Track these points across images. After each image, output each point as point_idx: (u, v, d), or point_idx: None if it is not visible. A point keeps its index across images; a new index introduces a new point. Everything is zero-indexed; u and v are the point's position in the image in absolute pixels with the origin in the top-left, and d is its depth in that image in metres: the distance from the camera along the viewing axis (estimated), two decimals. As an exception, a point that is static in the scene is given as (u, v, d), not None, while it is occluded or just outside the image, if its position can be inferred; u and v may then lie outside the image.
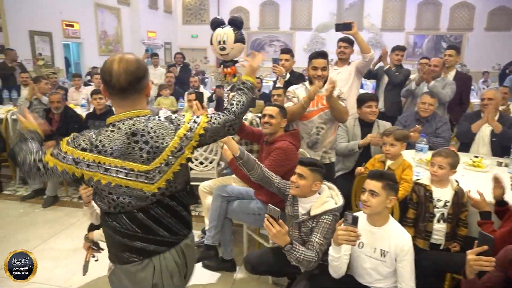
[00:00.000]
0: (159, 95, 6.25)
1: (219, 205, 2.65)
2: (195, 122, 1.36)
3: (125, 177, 1.25)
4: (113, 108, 4.20)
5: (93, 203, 2.37)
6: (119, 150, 1.24)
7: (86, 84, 7.10)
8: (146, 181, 1.26)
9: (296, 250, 1.86)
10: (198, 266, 2.74)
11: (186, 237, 1.41)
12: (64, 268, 2.78)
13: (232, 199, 2.69)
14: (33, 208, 3.78)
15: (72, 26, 10.62)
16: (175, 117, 1.36)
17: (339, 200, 2.10)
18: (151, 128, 1.28)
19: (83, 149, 1.24)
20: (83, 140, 1.26)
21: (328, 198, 2.09)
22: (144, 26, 13.45)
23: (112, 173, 1.24)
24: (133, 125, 1.27)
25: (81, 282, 2.60)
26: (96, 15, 11.55)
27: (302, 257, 1.87)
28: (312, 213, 2.05)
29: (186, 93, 5.63)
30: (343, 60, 3.69)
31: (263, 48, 15.27)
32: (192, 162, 3.56)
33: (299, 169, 2.08)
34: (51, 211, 3.69)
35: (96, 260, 2.46)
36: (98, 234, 2.38)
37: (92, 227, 2.51)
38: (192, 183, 3.66)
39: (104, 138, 1.25)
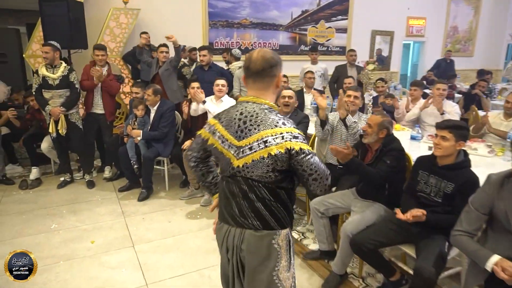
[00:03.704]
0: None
1: None
2: (297, 136, 1.38)
3: (221, 143, 1.46)
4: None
5: None
6: (226, 121, 1.46)
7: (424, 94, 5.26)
8: (234, 154, 1.41)
9: None
10: None
11: (255, 229, 1.43)
12: None
13: None
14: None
15: (418, 23, 9.23)
16: (285, 118, 1.42)
17: None
18: (256, 113, 1.41)
19: (214, 117, 1.54)
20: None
21: None
22: (512, 18, 10.14)
23: (216, 137, 1.48)
24: (246, 107, 1.44)
25: None
26: (448, 8, 9.59)
27: None
28: None
29: None
30: None
31: None
32: None
33: None
34: None
35: None
36: None
37: None
38: None
39: (226, 110, 1.51)
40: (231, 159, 1.41)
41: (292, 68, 6.95)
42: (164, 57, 4.46)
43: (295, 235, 3.19)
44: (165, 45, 4.43)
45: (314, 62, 5.66)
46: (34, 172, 4.33)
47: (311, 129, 3.39)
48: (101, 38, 5.49)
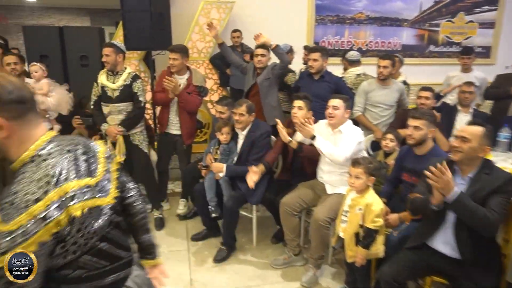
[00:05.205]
0: None
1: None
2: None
3: (89, 197, 1.07)
4: None
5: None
6: (72, 169, 1.05)
7: None
8: (100, 194, 1.11)
9: None
10: None
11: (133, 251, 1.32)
12: None
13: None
14: None
15: None
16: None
17: None
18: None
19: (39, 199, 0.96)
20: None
21: None
22: None
23: (76, 200, 1.03)
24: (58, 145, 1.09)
25: None
26: None
27: None
28: None
29: None
30: None
31: None
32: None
33: None
34: None
35: None
36: None
37: None
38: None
39: (49, 166, 1.01)
40: (100, 203, 1.10)
41: (418, 74, 5.34)
42: (259, 61, 3.29)
43: None
44: (263, 46, 3.31)
45: (466, 69, 4.00)
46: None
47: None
48: (189, 37, 4.65)
